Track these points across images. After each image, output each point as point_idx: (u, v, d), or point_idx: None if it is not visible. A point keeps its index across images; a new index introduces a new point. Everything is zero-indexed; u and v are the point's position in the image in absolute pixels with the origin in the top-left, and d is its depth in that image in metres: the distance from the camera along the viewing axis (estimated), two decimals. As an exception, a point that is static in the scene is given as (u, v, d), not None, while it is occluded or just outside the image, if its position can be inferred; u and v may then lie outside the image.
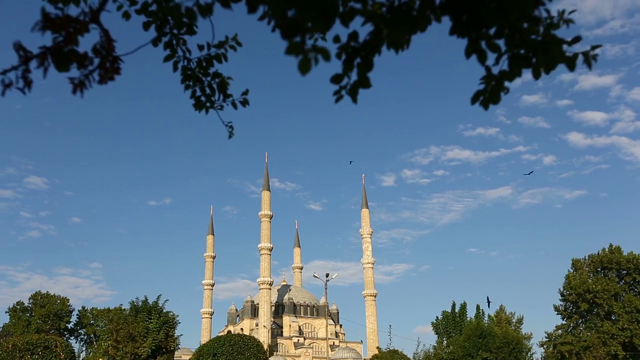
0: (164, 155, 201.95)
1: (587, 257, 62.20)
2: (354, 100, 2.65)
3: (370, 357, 46.29)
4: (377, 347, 46.70)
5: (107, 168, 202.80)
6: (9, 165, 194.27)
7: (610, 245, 60.93)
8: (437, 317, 52.58)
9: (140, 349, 37.02)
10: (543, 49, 2.60)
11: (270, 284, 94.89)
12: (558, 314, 59.95)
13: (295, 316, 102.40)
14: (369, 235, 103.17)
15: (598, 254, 60.68)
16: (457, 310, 52.35)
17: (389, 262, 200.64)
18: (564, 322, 59.28)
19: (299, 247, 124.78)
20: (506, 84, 2.91)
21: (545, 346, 59.08)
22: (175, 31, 3.50)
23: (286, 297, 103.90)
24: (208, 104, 3.78)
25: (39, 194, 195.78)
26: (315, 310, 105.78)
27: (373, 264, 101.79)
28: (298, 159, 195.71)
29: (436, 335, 50.74)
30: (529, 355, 46.68)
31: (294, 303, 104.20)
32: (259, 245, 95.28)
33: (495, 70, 2.90)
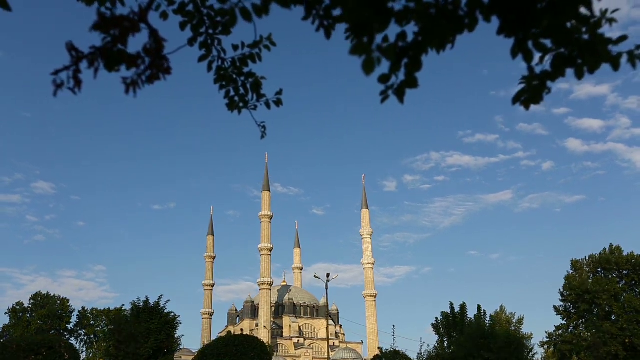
0: (168, 158, 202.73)
1: (586, 258, 62.30)
2: (401, 100, 2.66)
3: (372, 357, 46.27)
4: (379, 348, 46.62)
5: (112, 171, 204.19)
6: (17, 171, 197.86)
7: (611, 246, 61.01)
8: (436, 318, 52.60)
9: (141, 349, 36.99)
10: (590, 48, 2.60)
11: (271, 285, 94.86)
12: (558, 314, 60.04)
13: (295, 317, 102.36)
14: (369, 236, 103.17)
15: (598, 254, 60.75)
16: (456, 310, 52.34)
17: (391, 264, 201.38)
18: (564, 322, 59.35)
19: (299, 247, 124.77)
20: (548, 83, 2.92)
21: (545, 346, 59.14)
22: (210, 31, 3.51)
23: (286, 297, 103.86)
24: (241, 104, 3.78)
25: (45, 198, 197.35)
26: (315, 311, 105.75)
27: (373, 264, 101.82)
28: (300, 163, 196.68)
29: (437, 336, 50.72)
30: (530, 355, 46.69)
31: (294, 303, 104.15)
32: (259, 246, 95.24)
33: (532, 70, 2.91)
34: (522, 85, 3.07)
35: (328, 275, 59.25)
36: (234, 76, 3.69)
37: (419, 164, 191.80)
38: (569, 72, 2.84)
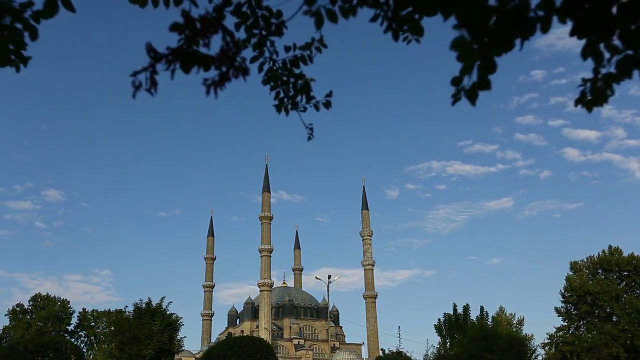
0: (174, 166, 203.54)
1: (586, 259, 62.34)
2: (473, 102, 2.66)
3: (374, 359, 46.30)
4: (382, 349, 46.70)
5: (120, 178, 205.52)
6: (29, 180, 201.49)
7: (610, 247, 61.04)
8: (439, 319, 52.61)
9: (144, 351, 36.97)
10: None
11: (271, 286, 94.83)
12: (559, 315, 60.05)
13: (296, 318, 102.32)
14: (369, 237, 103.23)
15: (597, 255, 60.79)
16: (459, 312, 52.36)
17: (394, 268, 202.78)
18: (564, 323, 59.37)
19: (299, 249, 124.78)
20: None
21: (546, 347, 59.16)
22: (264, 32, 3.51)
23: (286, 298, 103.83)
24: (290, 106, 3.78)
25: (54, 205, 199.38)
26: (316, 312, 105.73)
27: (373, 265, 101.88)
28: (303, 171, 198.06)
29: (439, 337, 50.74)
30: (533, 356, 46.73)
31: (294, 305, 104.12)
32: (259, 247, 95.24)
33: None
34: (582, 88, 3.09)
35: (329, 276, 59.34)
36: (285, 77, 3.70)
37: (421, 173, 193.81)
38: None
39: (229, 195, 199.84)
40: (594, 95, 2.93)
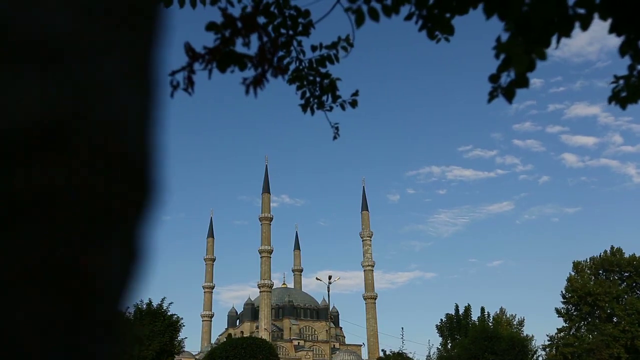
0: (178, 171, 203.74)
1: (588, 260, 62.38)
2: (509, 100, 2.65)
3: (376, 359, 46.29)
4: (383, 350, 46.72)
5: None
6: None
7: (612, 247, 61.09)
8: (441, 320, 52.62)
9: (145, 352, 36.96)
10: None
11: (271, 287, 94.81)
12: (560, 316, 60.05)
13: (296, 319, 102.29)
14: (369, 238, 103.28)
15: (599, 256, 60.84)
16: (460, 313, 52.39)
17: (395, 270, 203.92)
18: (565, 324, 59.37)
19: (299, 249, 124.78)
20: None
21: (547, 349, 59.16)
22: (291, 32, 3.50)
23: (286, 299, 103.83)
24: (316, 106, 3.77)
25: None
26: (316, 313, 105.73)
27: (373, 266, 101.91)
28: (305, 175, 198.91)
29: (440, 338, 50.77)
30: (534, 358, 46.74)
31: (294, 306, 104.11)
32: (259, 248, 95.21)
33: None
34: (614, 85, 3.08)
35: (330, 277, 59.31)
36: (311, 77, 3.68)
37: (421, 178, 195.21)
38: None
39: (230, 198, 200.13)
40: (629, 91, 2.92)
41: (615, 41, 2.70)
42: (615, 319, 54.95)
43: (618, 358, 51.68)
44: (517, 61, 2.18)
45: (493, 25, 2.68)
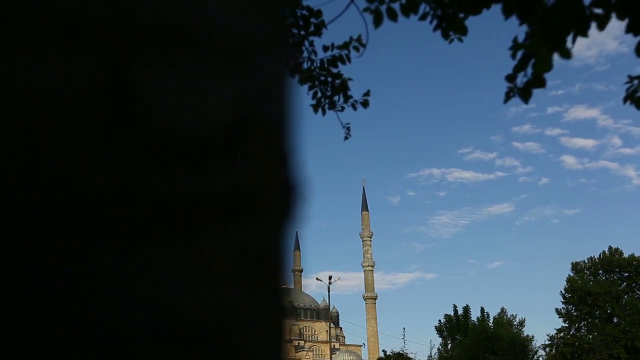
0: None
1: (587, 260, 62.36)
2: (526, 101, 2.65)
3: (376, 360, 46.29)
4: (384, 351, 46.74)
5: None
6: None
7: (610, 248, 61.05)
8: (440, 321, 52.63)
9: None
10: None
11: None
12: (560, 316, 60.02)
13: (296, 319, 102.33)
14: (369, 238, 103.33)
15: (598, 256, 60.83)
16: (459, 313, 52.42)
17: (396, 271, 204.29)
18: (565, 324, 59.37)
19: (299, 250, 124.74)
20: None
21: (547, 349, 59.15)
22: (303, 32, 3.50)
23: (286, 300, 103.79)
24: (327, 106, 3.76)
25: None
26: (316, 314, 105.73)
27: (373, 266, 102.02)
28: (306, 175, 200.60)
29: (440, 339, 50.79)
30: (534, 358, 46.77)
31: (295, 306, 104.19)
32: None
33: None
34: (628, 86, 3.08)
35: (330, 277, 59.28)
36: (322, 77, 3.68)
37: (422, 180, 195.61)
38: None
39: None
40: (644, 91, 2.92)
41: (614, 46, 2.71)
42: (615, 319, 54.94)
43: (618, 358, 51.69)
44: (542, 61, 2.18)
45: (494, 25, 2.68)
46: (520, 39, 2.67)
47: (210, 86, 0.22)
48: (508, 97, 2.69)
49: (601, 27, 2.56)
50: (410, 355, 44.98)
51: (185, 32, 0.22)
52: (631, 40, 2.60)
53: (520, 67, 2.63)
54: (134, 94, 0.20)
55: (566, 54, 2.34)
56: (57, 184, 0.18)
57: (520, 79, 2.63)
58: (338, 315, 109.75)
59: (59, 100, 0.19)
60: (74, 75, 0.19)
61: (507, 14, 2.43)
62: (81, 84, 0.19)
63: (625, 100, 2.97)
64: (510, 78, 2.62)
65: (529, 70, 2.63)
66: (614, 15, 2.60)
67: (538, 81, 2.63)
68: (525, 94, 2.66)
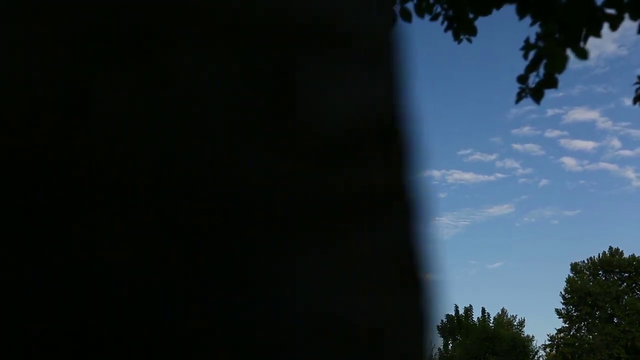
0: None
1: (587, 260, 62.34)
2: (537, 101, 2.64)
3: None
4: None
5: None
6: None
7: (610, 248, 60.99)
8: (441, 320, 52.79)
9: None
10: None
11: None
12: (560, 317, 60.01)
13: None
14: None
15: (598, 256, 60.82)
16: (460, 313, 52.47)
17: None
18: (565, 325, 59.38)
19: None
20: None
21: (547, 349, 59.17)
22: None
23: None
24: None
25: None
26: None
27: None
28: None
29: (441, 339, 50.83)
30: (535, 358, 46.82)
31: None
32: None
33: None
34: (637, 86, 3.08)
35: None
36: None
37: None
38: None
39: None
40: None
41: (613, 48, 2.71)
42: (615, 320, 54.93)
43: (618, 358, 51.68)
44: (556, 61, 2.18)
45: (494, 25, 2.69)
46: (530, 40, 2.67)
47: (355, 86, 0.22)
48: (520, 97, 2.68)
49: (613, 27, 2.55)
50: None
51: (334, 32, 0.21)
52: (630, 42, 2.60)
53: (532, 67, 2.63)
54: (294, 95, 0.20)
55: (582, 55, 2.34)
56: (231, 189, 0.18)
57: (532, 79, 2.63)
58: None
59: (236, 100, 0.19)
60: (248, 76, 0.19)
61: (521, 14, 2.43)
62: (252, 84, 0.19)
63: (635, 101, 2.97)
64: (522, 79, 2.62)
65: (541, 71, 2.63)
66: (626, 16, 2.61)
67: (550, 81, 2.63)
68: (537, 95, 2.65)
